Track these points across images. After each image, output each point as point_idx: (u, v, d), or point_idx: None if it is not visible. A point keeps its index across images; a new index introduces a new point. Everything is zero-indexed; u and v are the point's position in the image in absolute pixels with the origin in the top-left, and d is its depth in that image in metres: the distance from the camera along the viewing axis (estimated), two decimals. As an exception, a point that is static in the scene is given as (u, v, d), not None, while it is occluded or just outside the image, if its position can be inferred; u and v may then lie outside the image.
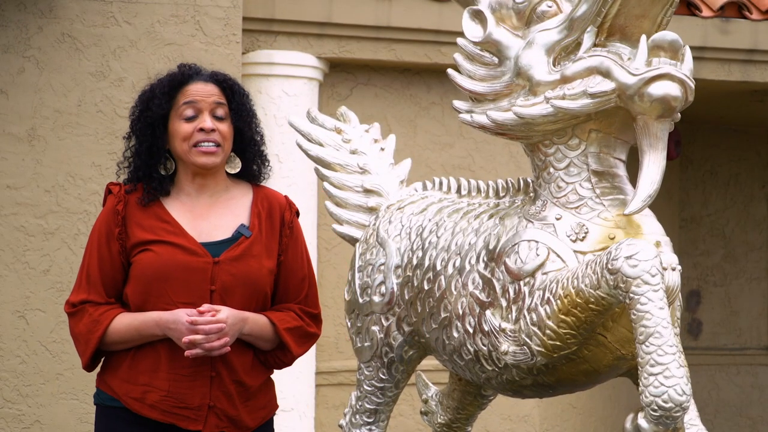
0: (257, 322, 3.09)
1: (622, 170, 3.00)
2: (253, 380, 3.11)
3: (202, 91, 3.08)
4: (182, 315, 2.96)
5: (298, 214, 3.24)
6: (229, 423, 3.06)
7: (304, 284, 3.22)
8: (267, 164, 3.23)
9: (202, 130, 3.05)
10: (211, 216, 3.11)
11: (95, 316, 3.05)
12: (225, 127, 3.09)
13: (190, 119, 3.06)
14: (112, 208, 3.10)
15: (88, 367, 3.12)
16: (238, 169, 3.19)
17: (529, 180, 3.17)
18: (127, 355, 3.05)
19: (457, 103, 3.14)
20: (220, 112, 3.09)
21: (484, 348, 3.03)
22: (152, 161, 3.10)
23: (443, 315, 3.17)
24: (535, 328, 2.86)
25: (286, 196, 3.26)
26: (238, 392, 3.07)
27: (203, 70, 3.14)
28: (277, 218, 3.16)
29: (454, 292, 3.13)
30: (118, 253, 3.07)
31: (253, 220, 3.13)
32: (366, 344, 3.48)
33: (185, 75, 3.10)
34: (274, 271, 3.14)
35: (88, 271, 3.10)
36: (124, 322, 3.04)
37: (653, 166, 2.83)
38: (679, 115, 2.87)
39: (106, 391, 3.09)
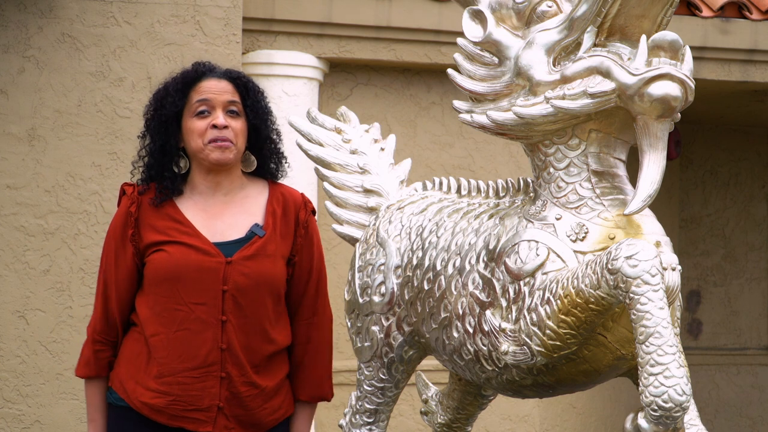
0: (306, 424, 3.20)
1: (622, 170, 3.00)
2: (266, 382, 3.08)
3: (215, 87, 3.07)
4: None
5: (314, 212, 3.21)
6: (236, 424, 3.04)
7: (313, 284, 3.20)
8: (284, 161, 3.22)
9: (215, 126, 3.03)
10: (225, 215, 3.09)
11: (94, 358, 3.13)
12: (238, 125, 3.07)
13: (203, 116, 3.05)
14: (126, 210, 3.09)
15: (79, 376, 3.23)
16: (253, 168, 3.17)
17: (529, 180, 3.17)
18: (141, 359, 3.04)
19: (457, 103, 3.14)
20: (234, 109, 3.07)
21: (484, 348, 3.03)
22: (165, 159, 3.08)
23: (443, 315, 3.17)
24: (535, 328, 2.86)
25: (302, 194, 3.22)
26: (248, 393, 3.05)
27: (217, 68, 3.13)
28: (292, 217, 3.14)
29: (454, 292, 3.13)
30: (133, 255, 3.07)
31: (268, 219, 3.11)
32: (366, 344, 3.48)
33: (198, 72, 3.09)
34: (288, 271, 3.14)
35: (105, 280, 3.11)
36: (90, 395, 3.15)
37: (653, 166, 2.82)
38: (679, 115, 2.87)
39: (118, 391, 3.08)
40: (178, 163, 3.09)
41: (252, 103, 3.10)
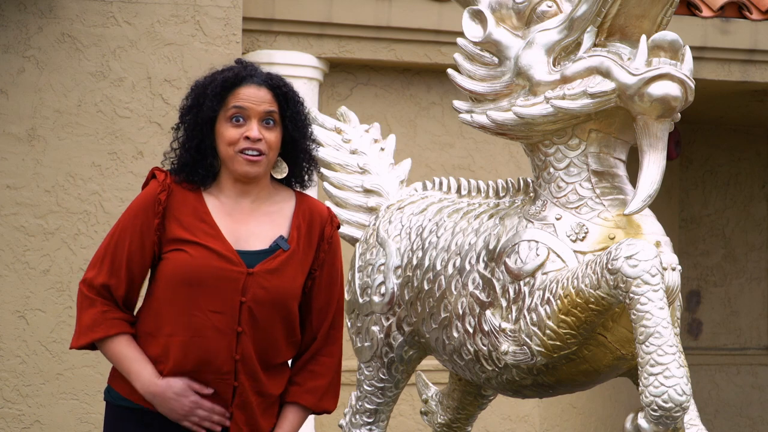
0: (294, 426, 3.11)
1: (622, 170, 3.00)
2: (275, 389, 3.05)
3: (253, 96, 2.99)
4: (172, 392, 2.95)
5: (338, 227, 3.17)
6: (243, 426, 3.02)
7: (335, 299, 3.11)
8: (315, 171, 3.14)
9: (248, 138, 2.96)
10: (251, 222, 3.03)
11: (101, 319, 2.98)
12: (272, 136, 2.99)
13: (237, 124, 2.98)
14: (155, 195, 3.01)
15: (75, 348, 3.08)
16: (284, 175, 3.09)
17: (529, 180, 3.17)
18: (155, 353, 2.99)
19: (457, 103, 3.14)
20: (270, 119, 2.99)
21: (484, 348, 3.03)
22: (199, 157, 3.01)
23: (443, 315, 3.17)
24: (535, 328, 2.86)
25: (328, 209, 3.15)
26: (257, 402, 3.01)
27: (258, 73, 3.04)
28: (316, 232, 3.07)
29: (454, 292, 3.13)
30: (152, 244, 2.99)
31: (293, 233, 3.04)
32: (366, 344, 3.49)
33: (239, 77, 3.01)
34: (308, 284, 3.06)
35: (115, 253, 3.01)
36: (116, 352, 2.98)
37: (653, 166, 2.83)
38: (679, 115, 2.87)
39: (120, 391, 3.03)
40: (212, 163, 3.04)
41: (291, 114, 3.03)
